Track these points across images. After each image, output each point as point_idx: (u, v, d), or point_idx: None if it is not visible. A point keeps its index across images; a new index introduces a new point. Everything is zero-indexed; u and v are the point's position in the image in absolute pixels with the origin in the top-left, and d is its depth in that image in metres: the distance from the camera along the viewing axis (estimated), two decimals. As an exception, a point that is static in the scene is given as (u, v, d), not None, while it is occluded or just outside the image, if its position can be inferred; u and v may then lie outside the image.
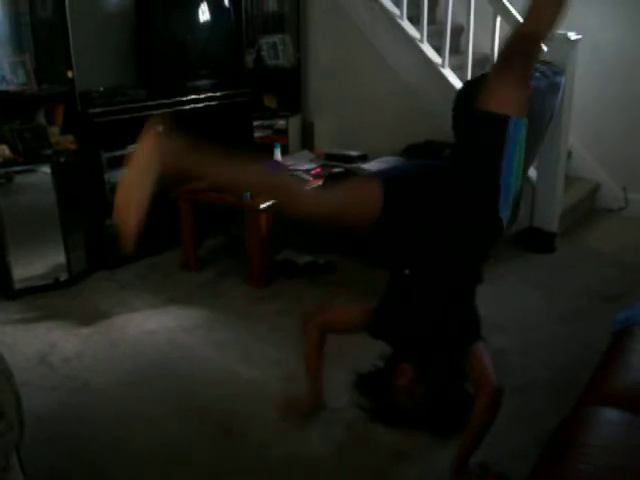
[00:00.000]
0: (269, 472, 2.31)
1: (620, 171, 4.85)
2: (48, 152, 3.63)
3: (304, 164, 4.27)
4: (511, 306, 3.45)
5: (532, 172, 4.19)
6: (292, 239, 4.14)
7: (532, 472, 1.61)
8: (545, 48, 3.95)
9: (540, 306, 3.44)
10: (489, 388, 2.13)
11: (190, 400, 2.72)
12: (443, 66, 4.37)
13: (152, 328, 3.31)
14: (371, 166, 3.97)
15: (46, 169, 3.58)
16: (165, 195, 3.96)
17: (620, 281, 3.69)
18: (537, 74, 3.41)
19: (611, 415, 1.78)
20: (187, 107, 4.20)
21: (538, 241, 4.16)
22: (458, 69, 4.39)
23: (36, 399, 2.72)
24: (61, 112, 3.74)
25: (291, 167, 4.14)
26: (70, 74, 3.65)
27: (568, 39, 3.84)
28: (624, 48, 4.66)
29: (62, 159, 3.65)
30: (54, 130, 3.72)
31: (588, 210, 4.90)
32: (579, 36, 3.92)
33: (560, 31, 3.88)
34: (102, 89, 3.81)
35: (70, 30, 3.58)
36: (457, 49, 4.74)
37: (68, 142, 3.73)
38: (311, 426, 2.51)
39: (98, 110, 3.74)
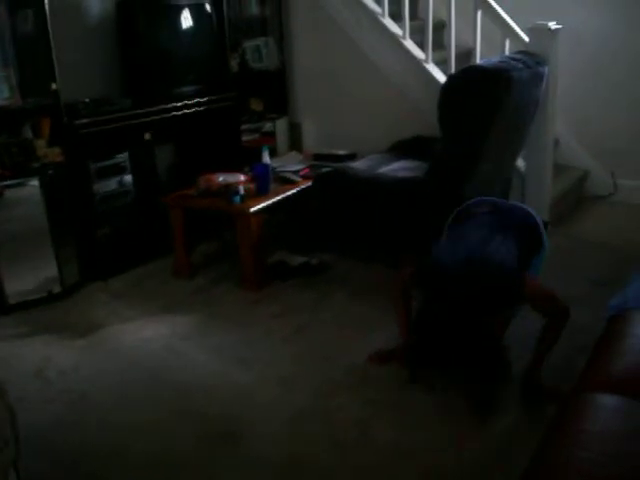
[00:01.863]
0: (268, 475, 2.30)
1: (608, 157, 4.87)
2: (36, 165, 3.62)
3: (293, 165, 4.27)
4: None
5: (521, 162, 4.20)
6: (284, 241, 4.14)
7: (531, 459, 1.62)
8: (527, 39, 3.98)
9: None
10: (557, 308, 2.64)
11: (187, 406, 2.72)
12: (427, 61, 4.38)
13: (147, 336, 3.30)
14: (359, 164, 3.98)
15: (35, 182, 3.56)
16: (155, 202, 3.97)
17: (611, 266, 3.70)
18: (520, 65, 3.43)
19: (608, 401, 1.79)
20: (174, 114, 4.19)
21: (530, 231, 4.17)
22: (442, 64, 4.40)
23: (33, 413, 2.71)
24: (47, 125, 3.73)
25: (280, 169, 4.14)
26: (54, 86, 3.64)
27: (549, 29, 3.85)
28: (605, 35, 4.68)
29: (50, 172, 3.64)
30: (41, 143, 3.70)
31: (578, 197, 4.92)
32: (560, 26, 3.93)
33: (541, 21, 3.90)
34: (87, 100, 3.79)
35: (52, 42, 3.57)
36: (440, 44, 4.75)
37: (55, 154, 3.72)
38: (310, 427, 2.52)
39: (84, 121, 3.73)
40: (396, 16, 4.51)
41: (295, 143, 5.05)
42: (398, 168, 3.92)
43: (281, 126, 4.96)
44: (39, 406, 2.78)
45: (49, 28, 3.55)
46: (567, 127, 4.89)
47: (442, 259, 2.67)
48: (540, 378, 2.65)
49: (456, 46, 4.34)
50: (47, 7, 3.52)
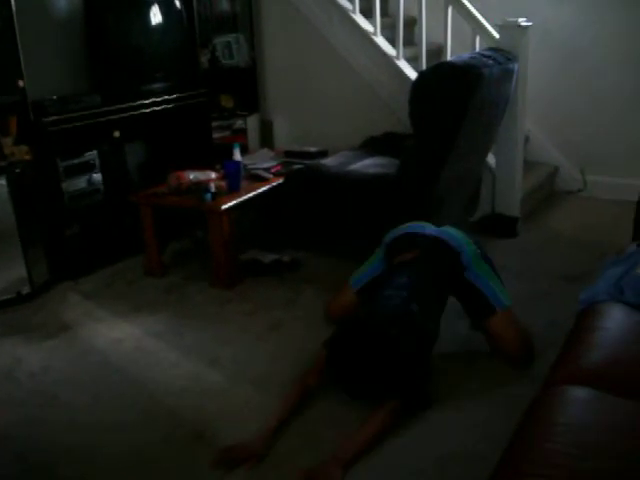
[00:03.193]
0: (241, 475, 2.28)
1: (577, 153, 4.92)
2: (3, 164, 3.56)
3: (264, 162, 4.26)
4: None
5: (491, 159, 4.22)
6: (256, 239, 4.13)
7: (504, 453, 1.62)
8: (497, 36, 4.00)
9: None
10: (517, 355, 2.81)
11: (159, 406, 2.69)
12: (398, 58, 4.39)
13: (118, 337, 3.27)
14: (331, 161, 3.97)
15: (2, 181, 3.51)
16: (125, 200, 3.93)
17: (582, 261, 3.74)
18: (490, 61, 3.45)
19: (579, 393, 1.81)
20: (143, 111, 4.15)
21: (500, 226, 4.20)
22: (413, 60, 4.40)
23: (3, 415, 2.68)
24: (14, 122, 3.66)
25: (251, 166, 4.13)
26: (21, 83, 3.58)
27: (519, 25, 3.87)
28: (575, 33, 4.72)
29: (17, 170, 3.58)
30: (8, 141, 3.64)
31: (548, 193, 4.96)
32: (530, 22, 3.96)
33: (511, 18, 3.92)
34: (55, 97, 3.74)
35: (19, 39, 3.51)
36: (411, 41, 4.76)
37: (23, 153, 3.66)
38: (284, 427, 2.50)
39: (52, 119, 3.68)
40: (367, 13, 4.51)
41: (266, 140, 5.03)
42: (369, 164, 3.92)
43: (252, 123, 4.94)
44: (9, 408, 2.74)
45: (15, 24, 3.50)
46: (537, 124, 4.93)
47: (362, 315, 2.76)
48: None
49: (427, 43, 4.35)
50: (13, 2, 3.46)
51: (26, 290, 3.67)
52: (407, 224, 3.10)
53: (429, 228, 3.02)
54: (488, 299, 2.79)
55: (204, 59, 4.68)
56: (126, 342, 3.21)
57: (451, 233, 2.95)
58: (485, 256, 2.91)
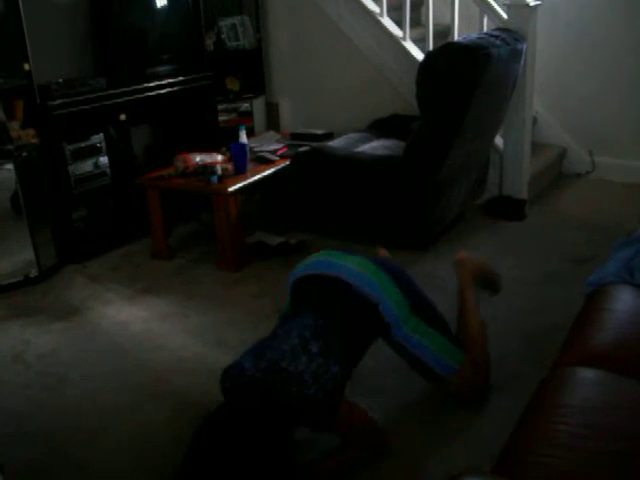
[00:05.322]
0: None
1: (586, 135, 4.88)
2: (9, 147, 3.56)
3: (270, 145, 4.25)
4: (485, 275, 3.46)
5: (499, 140, 4.20)
6: (262, 221, 4.12)
7: (512, 434, 1.62)
8: (505, 16, 3.96)
9: (513, 273, 3.46)
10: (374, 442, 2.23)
11: (167, 388, 2.70)
12: (404, 39, 4.35)
13: (126, 319, 3.28)
14: (337, 143, 3.96)
15: (9, 165, 3.51)
16: (132, 183, 3.93)
17: (591, 244, 3.72)
18: (498, 42, 3.42)
19: (587, 375, 1.81)
20: (149, 94, 4.13)
21: (508, 209, 4.18)
22: (419, 41, 4.37)
23: (12, 397, 2.70)
24: (20, 106, 3.66)
25: (257, 148, 4.11)
26: (27, 67, 3.57)
27: (527, 5, 3.83)
28: (584, 12, 4.67)
29: (24, 154, 3.58)
30: (14, 125, 3.64)
31: (556, 175, 4.93)
32: (539, 2, 3.92)
33: (519, -3, 3.89)
34: (61, 80, 3.73)
35: (24, 22, 3.50)
36: (417, 22, 4.73)
37: (29, 136, 3.66)
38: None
39: (58, 102, 3.68)
40: (373, -7, 4.48)
41: (272, 122, 5.01)
42: (376, 146, 3.91)
43: (258, 106, 4.92)
44: (18, 390, 2.76)
45: (21, 8, 3.49)
46: (545, 105, 4.89)
47: (245, 363, 2.14)
48: None
49: (434, 23, 4.32)
50: (18, -14, 3.46)
51: (34, 273, 3.68)
52: (314, 257, 2.55)
53: (338, 267, 2.40)
54: (432, 369, 2.33)
55: (209, 42, 4.65)
56: (133, 324, 3.22)
57: (366, 278, 2.34)
58: (420, 306, 2.38)
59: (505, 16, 3.97)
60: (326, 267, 2.43)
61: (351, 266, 2.38)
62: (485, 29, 4.06)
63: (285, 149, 4.14)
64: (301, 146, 4.07)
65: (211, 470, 1.92)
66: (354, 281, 2.33)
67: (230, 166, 3.75)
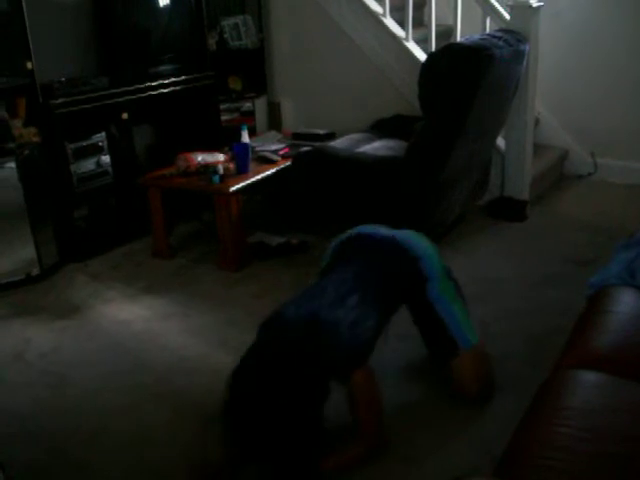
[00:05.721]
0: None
1: (588, 136, 4.87)
2: (12, 146, 3.56)
3: (272, 145, 4.24)
4: (486, 276, 3.46)
5: (501, 141, 4.20)
6: (263, 221, 4.12)
7: (514, 436, 1.62)
8: (507, 17, 3.96)
9: (515, 274, 3.46)
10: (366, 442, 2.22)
11: (168, 388, 2.70)
12: (407, 40, 4.35)
13: (127, 318, 3.28)
14: (339, 143, 3.96)
15: (11, 164, 3.51)
16: (134, 183, 3.93)
17: (592, 245, 3.71)
18: (501, 43, 3.42)
19: (589, 377, 1.80)
20: (151, 93, 4.13)
21: (509, 210, 4.18)
22: (422, 42, 4.37)
23: (13, 396, 2.71)
24: (22, 105, 3.66)
25: (259, 148, 4.11)
26: (30, 65, 3.57)
27: (530, 6, 3.83)
28: (587, 14, 4.66)
29: (26, 152, 3.58)
30: (16, 123, 3.64)
31: (558, 177, 4.93)
32: (541, 3, 3.92)
33: (522, -1, 3.88)
34: (63, 79, 3.73)
35: (27, 21, 3.50)
36: (420, 22, 4.72)
37: (32, 135, 3.66)
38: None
39: (60, 101, 3.68)
40: (376, -6, 4.47)
41: (274, 122, 5.01)
42: (378, 147, 3.90)
43: (260, 105, 4.92)
44: (19, 388, 2.76)
45: (24, 6, 3.48)
46: (547, 106, 4.89)
47: (286, 311, 2.26)
48: None
49: (436, 24, 4.31)
50: (21, -16, 3.46)
51: (35, 271, 3.68)
52: (357, 227, 2.69)
53: (383, 230, 2.62)
54: (452, 334, 2.39)
55: (212, 41, 4.65)
56: (134, 323, 3.22)
57: (410, 235, 2.54)
58: (451, 276, 2.51)
59: (508, 17, 3.97)
60: (371, 229, 2.63)
61: (393, 230, 2.59)
62: (488, 30, 4.06)
63: (287, 149, 4.14)
64: (303, 146, 4.07)
65: (250, 405, 2.07)
66: (398, 234, 2.53)
67: (232, 166, 3.75)
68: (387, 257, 2.48)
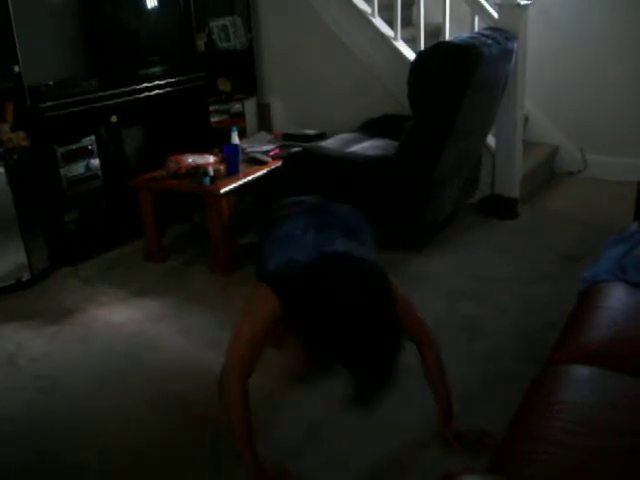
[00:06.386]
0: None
1: (577, 133, 4.90)
2: (0, 150, 3.55)
3: (262, 146, 4.23)
4: (478, 273, 3.47)
5: (491, 139, 4.20)
6: (254, 223, 4.11)
7: (507, 431, 1.62)
8: (496, 15, 3.97)
9: (506, 271, 3.47)
10: (430, 340, 2.21)
11: (161, 389, 2.69)
12: (396, 39, 4.36)
13: (119, 321, 3.27)
14: (329, 144, 3.96)
15: (0, 168, 3.50)
16: (124, 185, 3.91)
17: (583, 241, 3.73)
18: (489, 41, 3.43)
19: (581, 372, 1.81)
20: (140, 96, 4.12)
21: (500, 208, 4.19)
22: (411, 41, 4.38)
23: (5, 400, 2.69)
24: (10, 108, 3.64)
25: (249, 149, 4.11)
26: (17, 69, 3.56)
27: (518, 4, 3.84)
28: (574, 11, 4.68)
29: (15, 156, 3.56)
30: (5, 127, 3.62)
31: (548, 174, 4.94)
32: (529, 1, 3.93)
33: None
34: (52, 82, 3.72)
35: (14, 24, 3.49)
36: (409, 21, 4.73)
37: (20, 139, 3.64)
38: (283, 409, 2.50)
39: (49, 104, 3.66)
40: (364, -7, 4.48)
41: (264, 123, 5.01)
42: (368, 147, 3.90)
43: (250, 106, 4.92)
44: (11, 393, 2.75)
45: (10, 8, 3.47)
46: (536, 103, 4.90)
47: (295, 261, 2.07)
48: (461, 426, 2.26)
49: (425, 23, 4.32)
50: (8, -13, 3.44)
51: (26, 276, 3.66)
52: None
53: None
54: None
55: (201, 42, 4.65)
56: (127, 327, 3.21)
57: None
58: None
59: (496, 15, 3.98)
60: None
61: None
62: (476, 29, 4.07)
63: (277, 150, 4.13)
64: (293, 147, 4.07)
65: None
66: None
67: (222, 167, 3.74)
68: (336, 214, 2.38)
